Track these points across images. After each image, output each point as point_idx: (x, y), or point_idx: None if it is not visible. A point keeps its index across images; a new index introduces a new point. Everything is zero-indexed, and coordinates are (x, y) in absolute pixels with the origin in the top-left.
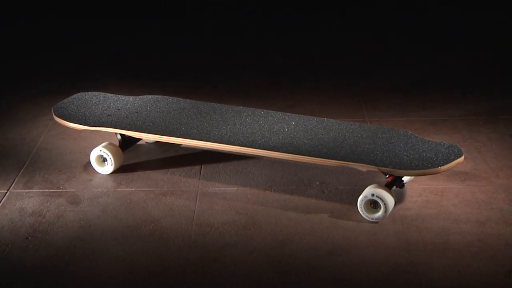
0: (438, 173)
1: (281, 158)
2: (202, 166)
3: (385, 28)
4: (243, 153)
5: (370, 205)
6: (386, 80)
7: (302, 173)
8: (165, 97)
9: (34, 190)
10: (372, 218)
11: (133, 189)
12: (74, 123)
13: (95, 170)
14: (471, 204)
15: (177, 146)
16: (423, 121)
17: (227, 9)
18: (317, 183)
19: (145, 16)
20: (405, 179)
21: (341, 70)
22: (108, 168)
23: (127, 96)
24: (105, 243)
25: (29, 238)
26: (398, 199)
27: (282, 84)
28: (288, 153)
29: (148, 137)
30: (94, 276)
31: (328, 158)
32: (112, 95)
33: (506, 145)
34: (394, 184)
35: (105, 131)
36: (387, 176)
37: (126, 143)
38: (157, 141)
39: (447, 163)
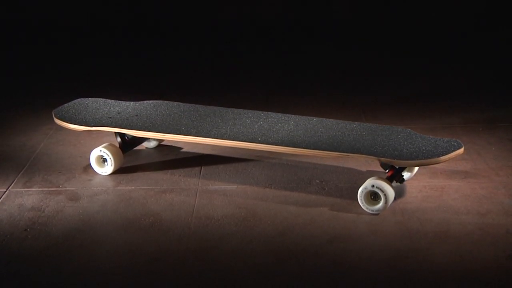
0: (438, 163)
1: (280, 152)
2: (202, 167)
3: (384, 43)
4: (243, 149)
5: (370, 197)
6: (386, 93)
7: (302, 172)
8: (165, 101)
9: (34, 189)
10: (372, 210)
11: (133, 188)
12: (75, 124)
13: (95, 171)
14: (471, 198)
15: (177, 150)
16: (422, 128)
17: (227, 29)
18: (317, 181)
19: (147, 36)
20: (405, 176)
21: (341, 84)
22: (108, 168)
23: (127, 102)
24: (105, 233)
25: (28, 229)
26: (398, 195)
27: (281, 97)
28: (288, 146)
29: (147, 135)
30: (93, 263)
31: (328, 150)
32: (112, 100)
33: (505, 148)
34: (394, 178)
35: (106, 137)
36: (387, 171)
37: (126, 145)
38: (157, 146)
39: (446, 154)
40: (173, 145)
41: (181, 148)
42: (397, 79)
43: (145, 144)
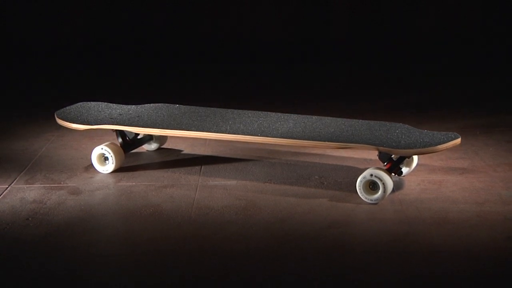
0: (436, 151)
1: (280, 144)
2: (202, 166)
3: (380, 58)
4: (243, 149)
5: (369, 187)
6: (383, 104)
7: (301, 170)
8: (166, 104)
9: (35, 185)
10: (371, 200)
11: (134, 184)
12: (77, 123)
13: (96, 169)
14: (469, 190)
15: (178, 152)
16: None
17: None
18: (316, 177)
19: (146, 54)
20: (404, 171)
21: (339, 96)
22: (109, 166)
23: (129, 105)
24: (106, 222)
25: (30, 219)
26: (397, 188)
27: (282, 107)
28: (287, 138)
29: (149, 132)
30: (94, 248)
31: (327, 141)
32: (115, 104)
33: (502, 148)
34: (392, 170)
35: (107, 139)
36: (386, 163)
37: (127, 145)
38: (157, 149)
39: (444, 143)
40: (174, 147)
41: (182, 151)
42: (394, 91)
43: (146, 147)
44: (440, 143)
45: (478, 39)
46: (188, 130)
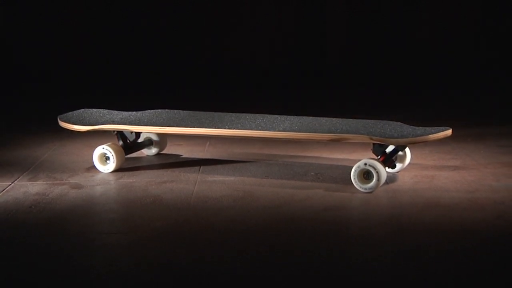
0: (428, 141)
1: (277, 137)
2: (201, 166)
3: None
4: (241, 152)
5: (363, 176)
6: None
7: (297, 168)
8: (166, 110)
9: (38, 182)
10: (365, 189)
11: (134, 180)
12: (79, 125)
13: (97, 169)
14: (460, 182)
15: (177, 156)
16: None
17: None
18: (312, 173)
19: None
20: (398, 166)
21: (343, 111)
22: (110, 166)
23: (130, 112)
24: (107, 208)
25: (33, 207)
26: (390, 181)
27: None
28: (284, 131)
29: (149, 130)
30: (96, 227)
31: (322, 133)
32: (116, 111)
33: (493, 151)
34: (386, 163)
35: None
36: (379, 156)
37: (128, 147)
38: (157, 153)
39: (435, 133)
40: (173, 153)
41: (181, 155)
42: (386, 109)
43: (146, 152)
44: (431, 133)
45: (470, 53)
46: (188, 127)
